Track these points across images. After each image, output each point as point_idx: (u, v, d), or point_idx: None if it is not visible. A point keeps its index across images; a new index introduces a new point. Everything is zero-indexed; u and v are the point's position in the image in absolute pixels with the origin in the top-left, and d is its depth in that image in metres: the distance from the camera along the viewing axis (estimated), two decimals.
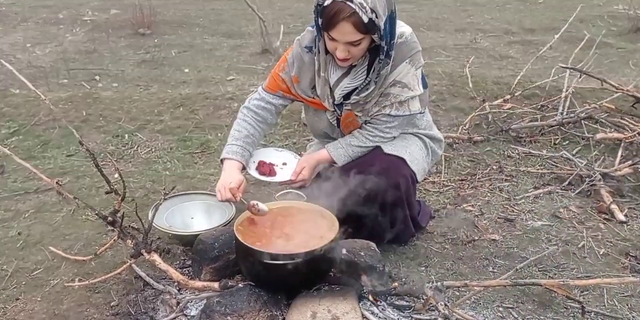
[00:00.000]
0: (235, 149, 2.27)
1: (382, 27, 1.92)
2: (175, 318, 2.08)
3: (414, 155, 2.27)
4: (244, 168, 2.28)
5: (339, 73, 2.15)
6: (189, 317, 2.07)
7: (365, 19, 1.87)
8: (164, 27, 7.08)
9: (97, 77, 5.08)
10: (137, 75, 5.18)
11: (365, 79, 2.11)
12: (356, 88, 2.15)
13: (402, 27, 2.11)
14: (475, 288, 2.10)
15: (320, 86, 2.19)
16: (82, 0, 8.89)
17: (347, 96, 2.18)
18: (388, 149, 2.23)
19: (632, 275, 2.37)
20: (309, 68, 2.21)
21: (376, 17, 1.88)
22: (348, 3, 1.85)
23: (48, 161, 3.47)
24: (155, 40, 6.46)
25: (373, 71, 2.08)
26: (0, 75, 4.95)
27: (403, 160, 2.21)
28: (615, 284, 2.27)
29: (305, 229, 2.08)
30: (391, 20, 1.97)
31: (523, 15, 7.69)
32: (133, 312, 2.13)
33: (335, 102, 2.21)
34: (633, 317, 2.15)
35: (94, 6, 8.41)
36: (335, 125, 2.32)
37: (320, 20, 1.95)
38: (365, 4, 1.85)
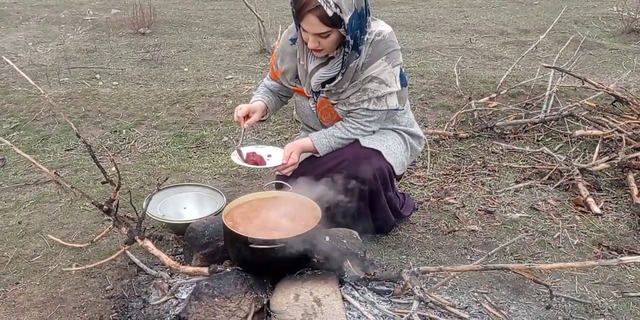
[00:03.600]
0: (257, 96, 2.51)
1: (347, 22, 2.05)
2: (166, 301, 2.17)
3: (391, 148, 2.38)
4: (267, 112, 2.50)
5: (317, 62, 2.29)
6: (179, 300, 2.17)
7: (330, 13, 2.01)
8: (163, 26, 7.20)
9: (98, 76, 5.19)
10: (137, 73, 5.29)
11: (340, 70, 2.24)
12: (334, 78, 2.27)
13: (382, 26, 2.24)
14: (450, 273, 2.22)
15: (301, 74, 2.35)
16: None
17: (323, 85, 2.32)
18: (365, 142, 2.35)
19: (596, 261, 2.46)
20: (292, 59, 2.37)
21: (340, 11, 2.02)
22: None
23: (48, 155, 3.59)
24: (155, 40, 6.57)
25: (344, 63, 2.21)
26: (2, 73, 5.08)
27: (379, 152, 2.33)
28: (578, 268, 2.37)
29: (289, 217, 2.19)
30: (360, 16, 2.09)
31: (518, 17, 7.80)
32: (127, 296, 2.24)
33: (313, 90, 2.35)
34: (601, 302, 2.25)
35: (95, 6, 8.54)
36: (315, 112, 2.45)
37: (294, 12, 2.10)
38: None
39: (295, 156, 2.35)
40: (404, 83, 2.34)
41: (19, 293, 2.27)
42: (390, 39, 2.22)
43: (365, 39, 2.17)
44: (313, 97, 2.39)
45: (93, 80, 5.06)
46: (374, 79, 2.24)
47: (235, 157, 2.39)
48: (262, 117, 2.49)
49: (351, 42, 2.11)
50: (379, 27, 2.21)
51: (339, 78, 2.24)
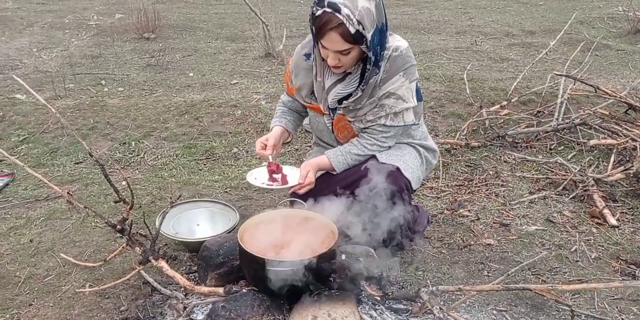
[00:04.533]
0: (275, 120, 2.53)
1: (370, 38, 2.02)
2: None
3: (408, 163, 2.36)
4: (289, 134, 2.53)
5: (334, 79, 2.26)
6: None
7: (352, 30, 1.97)
8: (168, 31, 7.17)
9: (103, 82, 5.16)
10: (142, 79, 5.26)
11: (358, 86, 2.21)
12: (350, 94, 2.24)
13: (399, 42, 2.21)
14: (469, 292, 2.19)
15: (317, 90, 2.31)
16: (87, 4, 9.01)
17: (340, 102, 2.29)
18: (383, 158, 2.32)
19: (622, 280, 2.44)
20: (307, 74, 2.33)
21: (363, 28, 1.99)
22: (336, 14, 1.96)
23: (57, 169, 3.56)
24: (160, 45, 6.54)
25: (364, 79, 2.18)
26: (7, 80, 5.05)
27: (397, 168, 2.30)
28: (603, 288, 2.34)
29: (305, 236, 2.17)
30: (381, 32, 2.06)
31: (523, 18, 7.75)
32: (142, 317, 2.21)
33: (330, 107, 2.32)
34: (622, 319, 2.23)
35: (99, 10, 8.51)
36: (330, 129, 2.42)
37: (313, 29, 2.06)
38: (352, 16, 1.96)
39: (312, 175, 2.33)
40: (419, 98, 2.31)
41: (32, 315, 2.24)
42: (407, 54, 2.20)
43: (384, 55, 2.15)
44: (330, 114, 2.36)
45: (98, 87, 5.03)
46: (391, 94, 2.21)
47: (251, 178, 2.37)
48: (286, 139, 2.51)
49: (373, 58, 2.09)
50: (395, 42, 2.19)
51: (359, 94, 2.21)
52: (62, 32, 7.21)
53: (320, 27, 2.00)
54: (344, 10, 1.95)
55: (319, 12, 1.99)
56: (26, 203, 3.14)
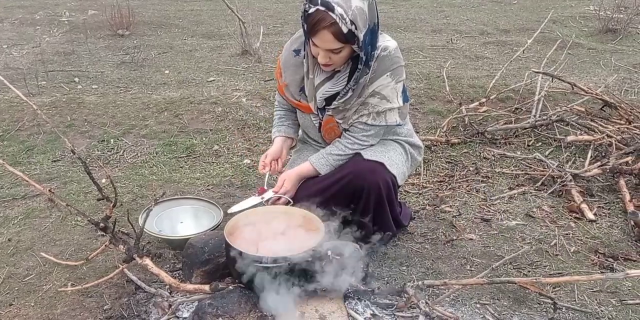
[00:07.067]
0: (274, 130, 2.56)
1: (362, 38, 2.02)
2: None
3: (393, 159, 2.37)
4: (292, 139, 2.57)
5: (322, 77, 2.25)
6: (180, 319, 2.13)
7: (345, 30, 1.97)
8: (143, 28, 7.08)
9: (76, 79, 5.08)
10: (116, 76, 5.20)
11: (346, 85, 2.21)
12: (338, 93, 2.24)
13: (388, 42, 2.20)
14: (454, 286, 2.22)
15: (308, 88, 2.29)
16: (58, 0, 8.83)
17: (329, 102, 2.28)
18: (367, 154, 2.32)
19: (600, 272, 2.50)
20: (296, 70, 2.31)
21: (356, 28, 1.98)
22: (329, 13, 1.95)
23: (34, 167, 3.49)
24: (135, 42, 6.46)
25: (353, 79, 2.18)
26: None
27: (382, 164, 2.30)
28: (585, 281, 2.39)
29: (292, 232, 2.17)
30: (372, 32, 2.06)
31: (498, 16, 7.86)
32: (126, 315, 2.19)
33: (318, 106, 2.31)
34: (601, 310, 2.28)
35: (71, 7, 8.35)
36: (317, 127, 2.41)
37: (305, 26, 2.04)
38: (345, 16, 1.95)
39: (288, 184, 2.34)
40: (405, 99, 2.32)
41: (13, 315, 2.20)
42: (396, 54, 2.20)
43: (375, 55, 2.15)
44: (319, 114, 2.35)
45: (72, 84, 4.95)
46: (376, 94, 2.22)
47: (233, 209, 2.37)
48: (291, 145, 2.55)
49: (364, 58, 2.09)
50: (384, 42, 2.18)
51: (350, 94, 2.21)
52: (33, 28, 7.07)
53: (312, 25, 1.99)
54: (338, 10, 1.94)
55: (311, 10, 1.98)
56: (3, 202, 3.07)
